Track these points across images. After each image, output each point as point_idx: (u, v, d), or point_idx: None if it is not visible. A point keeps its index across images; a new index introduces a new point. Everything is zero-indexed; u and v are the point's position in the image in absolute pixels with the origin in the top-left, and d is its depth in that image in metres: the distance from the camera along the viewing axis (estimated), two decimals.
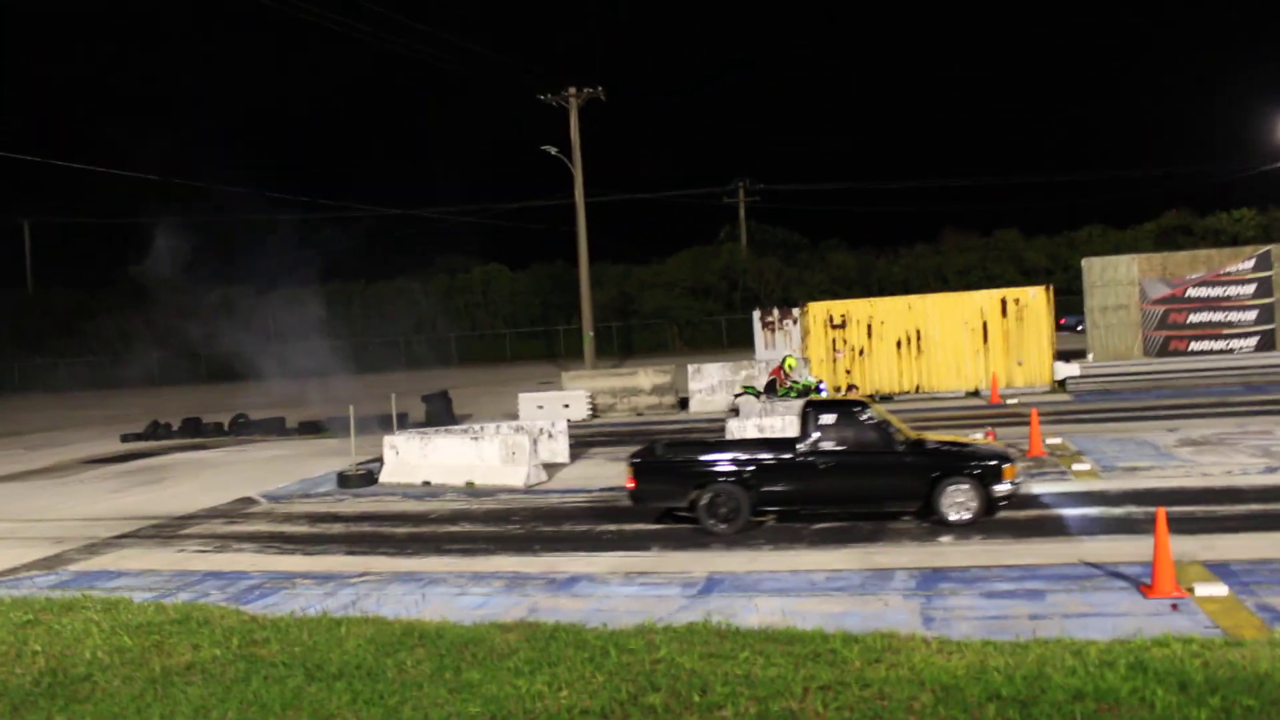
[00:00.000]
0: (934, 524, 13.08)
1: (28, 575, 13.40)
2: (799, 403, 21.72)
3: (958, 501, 13.10)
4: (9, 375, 71.18)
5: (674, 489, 14.06)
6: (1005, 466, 13.12)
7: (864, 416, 13.79)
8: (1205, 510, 12.73)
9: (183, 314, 68.87)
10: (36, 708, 7.64)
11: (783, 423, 18.35)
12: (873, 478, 13.57)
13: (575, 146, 41.26)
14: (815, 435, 13.67)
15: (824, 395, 21.37)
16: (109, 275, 71.23)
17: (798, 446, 13.74)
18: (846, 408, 14.14)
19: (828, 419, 13.74)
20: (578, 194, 41.55)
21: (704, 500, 13.66)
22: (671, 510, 14.34)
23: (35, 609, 10.43)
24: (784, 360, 25.92)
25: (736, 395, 25.87)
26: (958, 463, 13.35)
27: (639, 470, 14.12)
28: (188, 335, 68.61)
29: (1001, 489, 13.07)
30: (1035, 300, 28.69)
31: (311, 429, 29.83)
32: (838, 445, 13.60)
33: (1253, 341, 28.70)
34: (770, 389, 24.55)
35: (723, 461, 14.00)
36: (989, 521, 13.11)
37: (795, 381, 24.46)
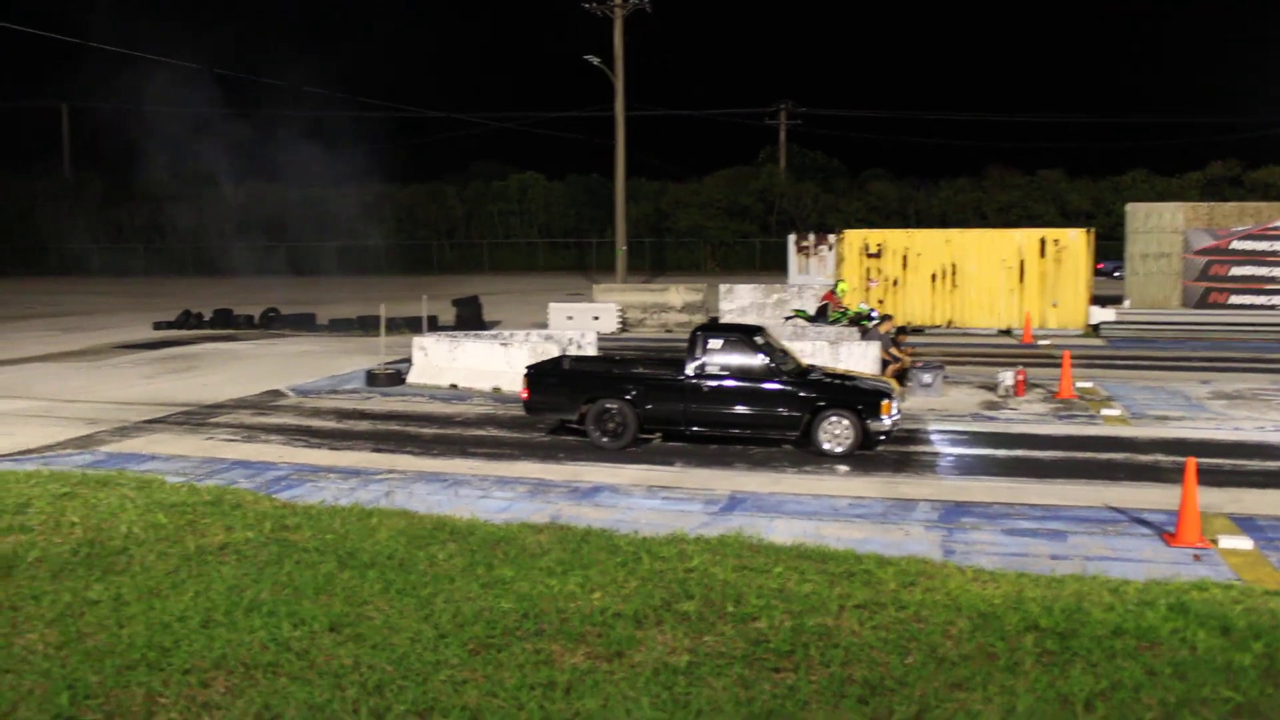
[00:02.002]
0: (811, 453, 13.28)
1: (63, 453, 13.55)
2: (831, 330, 21.70)
3: (835, 434, 13.31)
4: (46, 258, 71.73)
5: (565, 401, 14.30)
6: (884, 402, 13.26)
7: (753, 343, 13.90)
8: (1234, 464, 12.59)
9: (218, 206, 69.11)
10: (75, 576, 7.72)
11: (813, 348, 18.22)
12: (755, 404, 13.67)
13: (618, 58, 40.62)
14: (701, 358, 13.82)
15: (875, 323, 21.19)
16: (148, 164, 71.16)
17: (685, 369, 13.85)
18: (737, 333, 14.34)
19: (715, 343, 13.94)
20: (618, 107, 41.00)
21: (591, 414, 13.87)
22: (564, 423, 14.57)
23: (72, 482, 10.52)
24: (836, 285, 25.69)
25: (786, 318, 25.71)
26: (838, 395, 13.51)
27: (532, 381, 14.36)
28: (221, 227, 69.04)
29: (879, 424, 13.25)
30: (1075, 242, 28.27)
31: (341, 326, 29.90)
32: (723, 370, 13.75)
33: None
34: (821, 314, 24.31)
35: (612, 378, 14.25)
36: (1008, 460, 13.08)
37: (846, 307, 24.18)
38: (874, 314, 22.75)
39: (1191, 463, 9.51)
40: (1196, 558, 8.93)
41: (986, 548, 9.21)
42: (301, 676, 6.05)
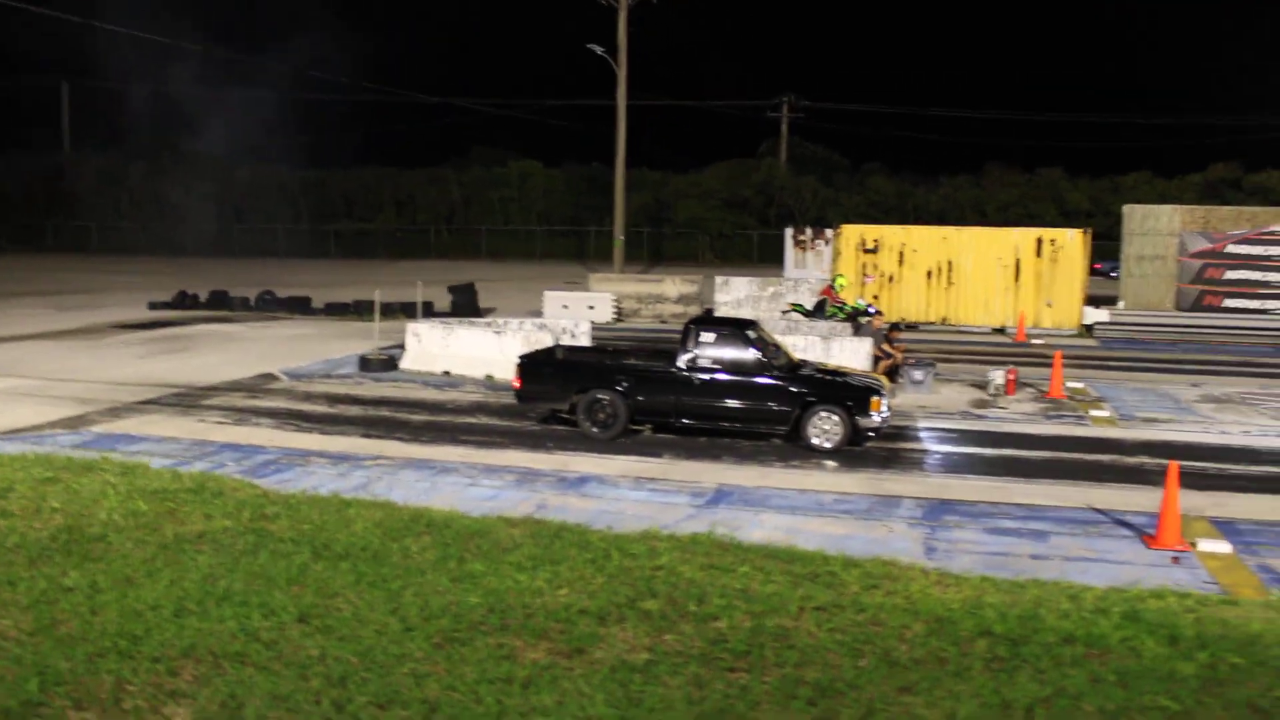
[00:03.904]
0: (800, 447, 13.39)
1: (52, 433, 13.65)
2: (823, 324, 21.79)
3: (824, 429, 13.43)
4: (43, 236, 71.78)
5: (556, 391, 14.41)
6: (873, 399, 13.36)
7: (745, 337, 13.99)
8: (1218, 468, 12.70)
9: (215, 187, 69.16)
10: (52, 563, 7.84)
11: (805, 342, 18.31)
12: (746, 398, 13.77)
13: (621, 47, 40.57)
14: (694, 351, 13.91)
15: (871, 317, 21.26)
16: (147, 142, 71.22)
17: (677, 361, 13.95)
18: (729, 327, 14.41)
19: (708, 336, 14.02)
20: (620, 96, 40.98)
21: (583, 405, 13.97)
22: (555, 412, 14.66)
23: (56, 467, 10.64)
24: (834, 279, 25.69)
25: (783, 312, 25.76)
26: (829, 391, 13.61)
27: (524, 370, 14.47)
28: (219, 208, 69.11)
29: (869, 421, 13.36)
30: (1071, 243, 28.34)
31: (336, 311, 29.98)
32: (714, 363, 13.84)
33: None
34: (819, 308, 24.34)
35: (604, 369, 14.33)
36: (995, 459, 13.20)
37: (844, 302, 24.20)
38: (871, 309, 22.81)
39: (1174, 466, 9.61)
40: (1175, 560, 9.04)
41: (968, 546, 9.32)
42: (268, 667, 6.17)
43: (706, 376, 13.83)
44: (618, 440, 13.71)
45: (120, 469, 10.73)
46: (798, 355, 15.82)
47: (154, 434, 13.71)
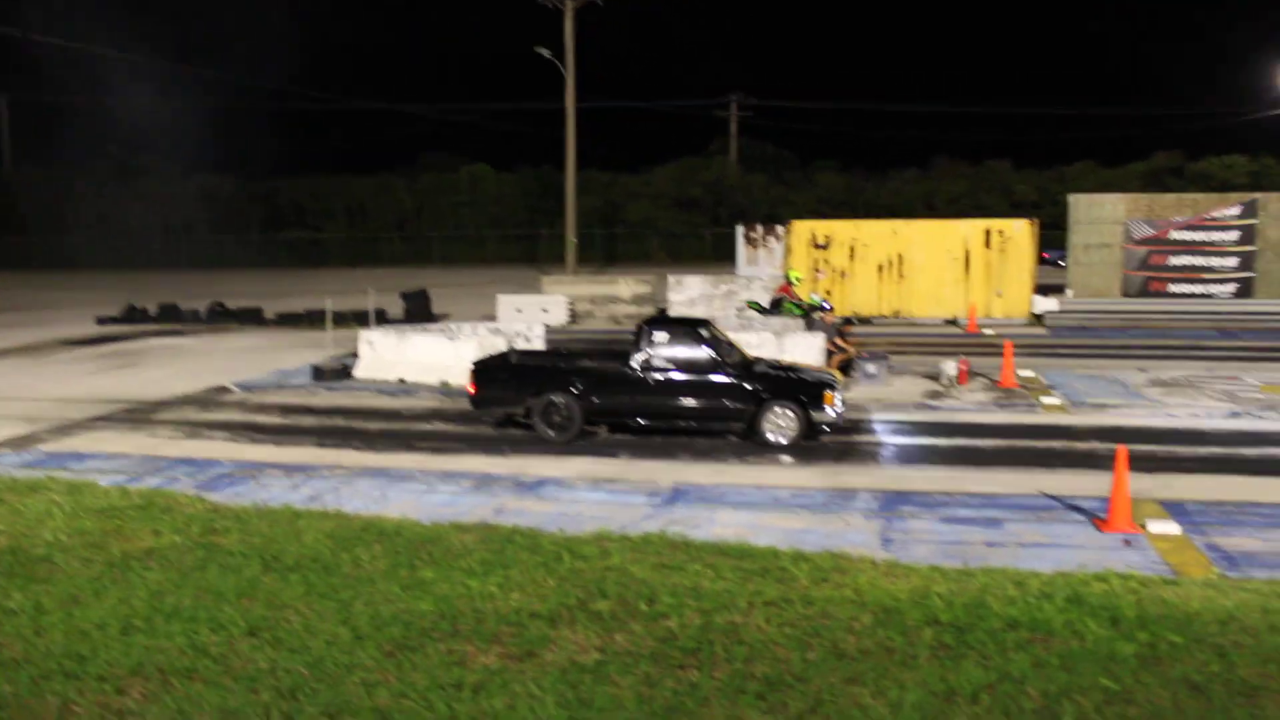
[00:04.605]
0: (756, 444, 13.47)
1: None
2: (776, 321, 21.89)
3: (779, 425, 13.53)
4: None
5: (511, 395, 14.38)
6: (827, 393, 13.48)
7: (698, 335, 14.06)
8: (1167, 450, 12.90)
9: (162, 200, 68.36)
10: None
11: (758, 339, 18.40)
12: (700, 396, 13.84)
13: (569, 50, 40.58)
14: (647, 351, 13.96)
15: (830, 312, 21.40)
16: (89, 156, 70.26)
17: (631, 361, 13.99)
18: (682, 326, 14.45)
19: (661, 336, 14.05)
20: (568, 99, 40.98)
21: (538, 408, 13.99)
22: (511, 416, 14.67)
23: (1, 489, 10.49)
24: (788, 274, 25.68)
25: (739, 310, 25.81)
26: (783, 387, 13.70)
27: (478, 376, 14.44)
28: (166, 221, 68.31)
29: (823, 415, 13.48)
30: (1019, 233, 28.67)
31: (289, 321, 29.74)
32: (668, 362, 13.90)
33: (1231, 288, 28.88)
34: (776, 305, 24.41)
35: (559, 372, 14.32)
36: (949, 449, 13.34)
37: (801, 299, 24.21)
38: (826, 305, 22.93)
39: (1122, 450, 9.76)
40: (1127, 543, 9.19)
41: (924, 536, 9.41)
42: (217, 682, 6.13)
43: (661, 376, 13.87)
44: (574, 442, 13.72)
45: (67, 488, 10.59)
46: (751, 352, 15.89)
47: (104, 451, 13.54)
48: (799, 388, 13.67)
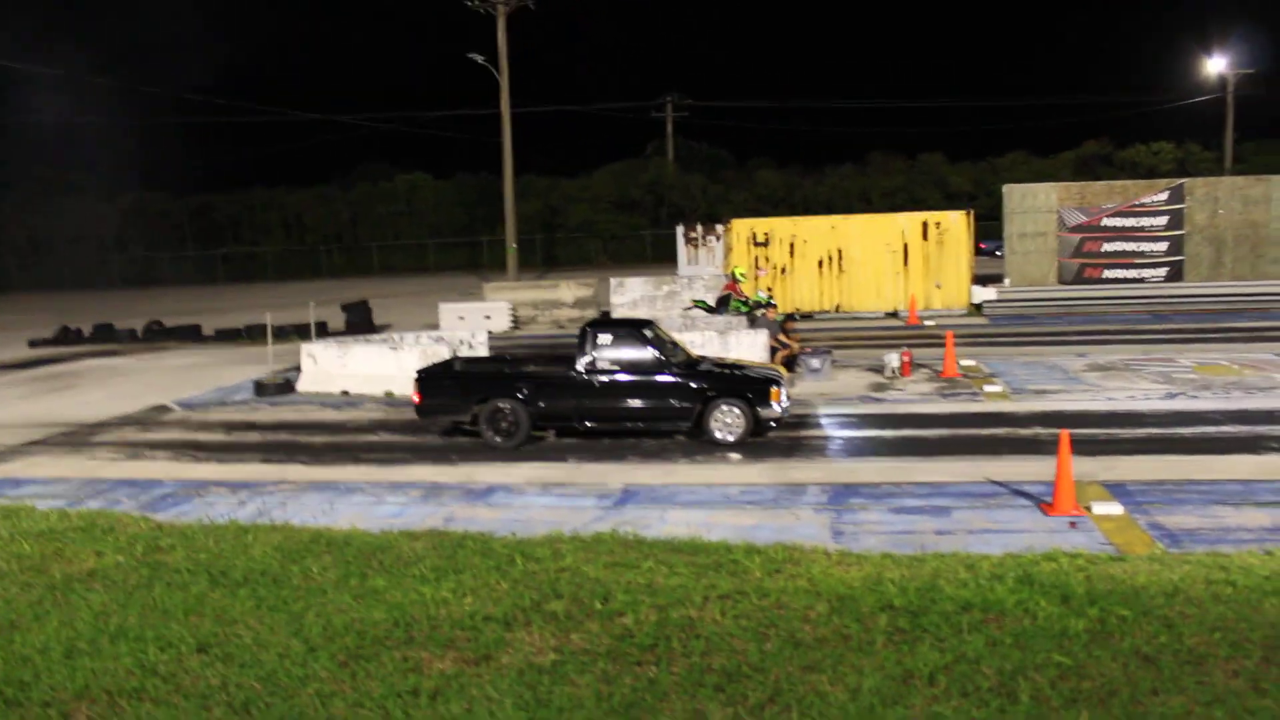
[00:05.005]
0: (704, 442, 13.51)
1: None
2: (719, 319, 21.96)
3: (726, 423, 13.61)
4: None
5: (456, 403, 14.34)
6: (773, 389, 13.56)
7: (642, 336, 14.12)
8: (1107, 433, 13.13)
9: (93, 218, 67.08)
10: None
11: (702, 338, 18.45)
12: (646, 397, 13.89)
13: (502, 55, 40.38)
14: (592, 354, 13.99)
15: (774, 308, 21.47)
16: (15, 177, 68.76)
17: (576, 365, 14.01)
18: (625, 327, 14.51)
19: (605, 338, 14.08)
20: (504, 104, 40.79)
21: (484, 415, 13.96)
22: (457, 424, 14.63)
23: None
24: (734, 271, 25.66)
25: (685, 310, 25.82)
26: (728, 384, 13.79)
27: (423, 385, 14.38)
28: (99, 239, 67.04)
29: (770, 411, 13.56)
30: (956, 224, 29.01)
31: (228, 337, 29.31)
32: (613, 364, 13.93)
33: (1163, 272, 29.48)
34: (723, 303, 24.41)
35: (503, 378, 14.32)
36: (895, 440, 13.46)
37: (747, 296, 24.21)
38: (772, 301, 23.03)
39: (1065, 435, 9.91)
40: (1073, 525, 9.35)
41: (874, 527, 9.49)
42: (167, 700, 6.01)
43: (606, 378, 13.86)
44: (522, 448, 13.66)
45: (2, 513, 10.35)
46: (696, 351, 15.94)
47: (41, 476, 13.26)
48: (745, 385, 13.71)
